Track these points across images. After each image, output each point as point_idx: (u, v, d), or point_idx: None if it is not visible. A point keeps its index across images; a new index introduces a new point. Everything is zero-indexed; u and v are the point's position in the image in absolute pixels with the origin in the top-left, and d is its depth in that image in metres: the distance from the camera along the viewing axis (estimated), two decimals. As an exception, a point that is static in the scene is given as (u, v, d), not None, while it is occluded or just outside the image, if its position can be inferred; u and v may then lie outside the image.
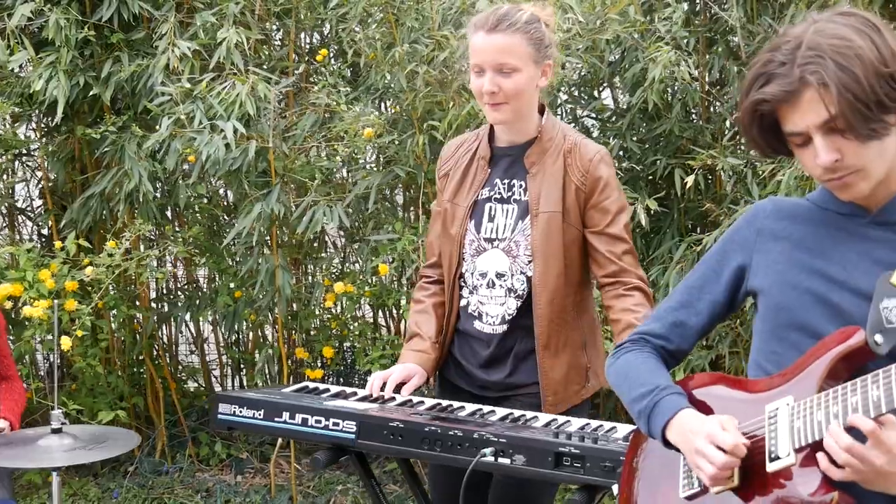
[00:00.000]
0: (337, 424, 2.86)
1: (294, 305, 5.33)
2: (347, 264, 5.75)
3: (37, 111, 5.26)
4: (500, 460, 2.66)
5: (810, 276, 2.06)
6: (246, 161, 4.50)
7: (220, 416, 3.04)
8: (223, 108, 4.45)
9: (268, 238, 4.78)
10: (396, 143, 4.75)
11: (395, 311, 5.66)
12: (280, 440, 5.14)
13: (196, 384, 6.04)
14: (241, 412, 3.01)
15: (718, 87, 5.16)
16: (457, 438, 2.72)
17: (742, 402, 2.11)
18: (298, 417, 2.92)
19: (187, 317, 5.54)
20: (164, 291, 5.73)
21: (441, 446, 2.74)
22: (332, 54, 5.32)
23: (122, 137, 4.81)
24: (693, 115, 5.14)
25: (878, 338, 1.88)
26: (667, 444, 2.17)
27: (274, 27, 5.38)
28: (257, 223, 4.54)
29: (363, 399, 3.06)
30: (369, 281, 4.88)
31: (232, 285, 5.09)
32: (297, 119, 4.87)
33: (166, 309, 5.61)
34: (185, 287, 5.80)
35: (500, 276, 3.09)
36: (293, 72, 5.11)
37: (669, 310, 2.33)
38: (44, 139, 5.48)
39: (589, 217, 3.05)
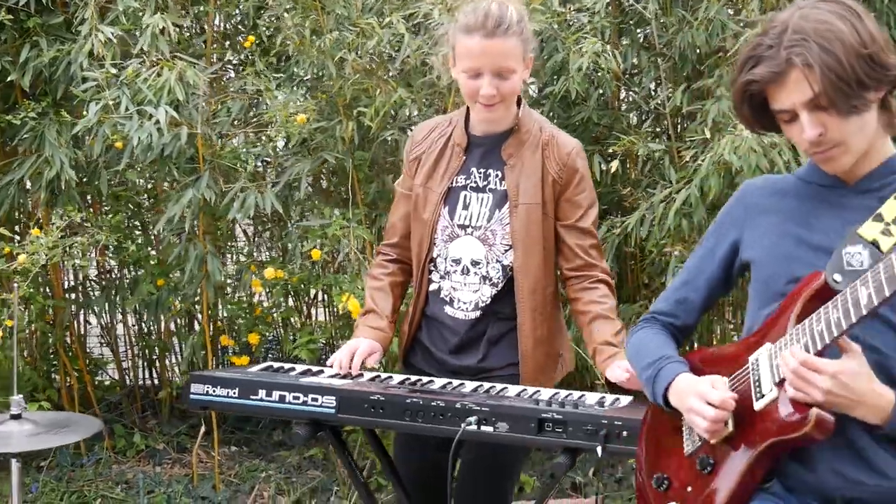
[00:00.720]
0: (316, 400, 2.91)
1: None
2: (257, 253, 5.77)
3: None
4: (484, 428, 2.74)
5: (797, 246, 2.22)
6: (177, 147, 4.47)
7: (193, 396, 3.05)
8: (152, 94, 4.41)
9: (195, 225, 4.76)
10: (325, 130, 4.78)
11: (319, 297, 5.70)
12: (203, 429, 5.10)
13: (108, 377, 5.94)
14: (214, 391, 3.03)
15: (631, 76, 5.33)
16: (439, 409, 2.79)
17: (730, 360, 2.27)
18: (275, 394, 2.95)
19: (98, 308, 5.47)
20: (78, 282, 5.63)
21: (423, 417, 2.81)
22: (256, 41, 5.30)
23: (42, 124, 4.72)
24: (607, 103, 5.29)
25: (837, 276, 2.04)
26: (669, 406, 2.31)
27: (193, 13, 5.33)
28: (188, 210, 4.52)
29: (333, 376, 3.11)
30: (303, 266, 4.88)
31: (155, 273, 5.03)
32: (221, 106, 4.85)
33: (81, 299, 5.52)
34: (101, 277, 5.70)
35: (475, 263, 3.16)
36: (213, 58, 5.09)
37: (674, 289, 2.51)
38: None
39: (561, 209, 3.14)
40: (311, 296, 5.72)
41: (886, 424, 1.99)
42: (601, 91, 5.07)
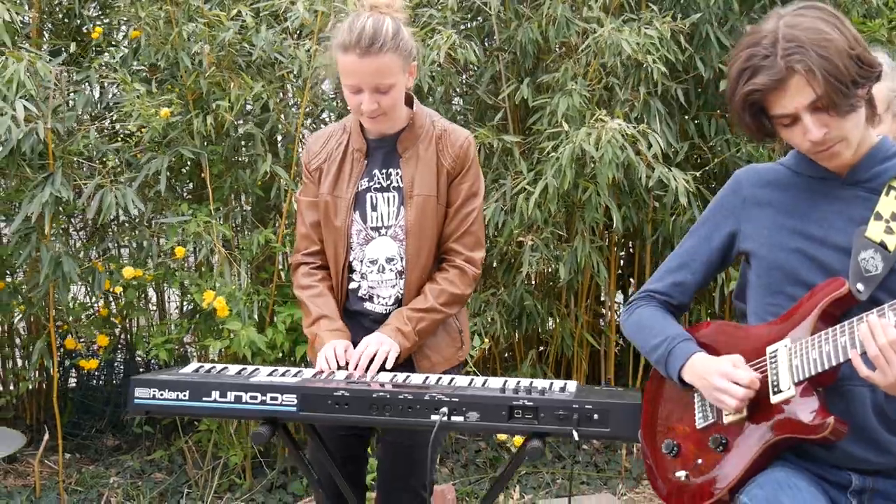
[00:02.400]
0: (276, 399, 2.87)
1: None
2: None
3: None
4: (455, 418, 2.81)
5: (794, 237, 2.43)
6: (31, 142, 4.26)
7: (137, 400, 2.94)
8: (2, 85, 4.19)
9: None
10: (180, 124, 4.67)
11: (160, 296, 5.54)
12: (46, 437, 4.88)
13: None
14: (161, 395, 2.93)
15: (471, 70, 5.48)
16: (408, 402, 2.82)
17: (745, 344, 2.45)
18: (231, 395, 2.90)
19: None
20: None
21: (391, 411, 2.83)
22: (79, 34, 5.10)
23: None
24: (449, 97, 5.42)
25: (860, 286, 2.27)
26: (683, 384, 2.47)
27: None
28: (46, 208, 4.31)
29: (272, 374, 3.07)
30: (165, 265, 4.75)
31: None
32: (67, 98, 4.65)
33: None
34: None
35: (389, 260, 3.24)
36: (50, 49, 4.87)
37: (668, 272, 2.67)
38: None
39: (448, 196, 3.25)
40: (147, 296, 5.56)
41: None
42: (444, 85, 5.20)
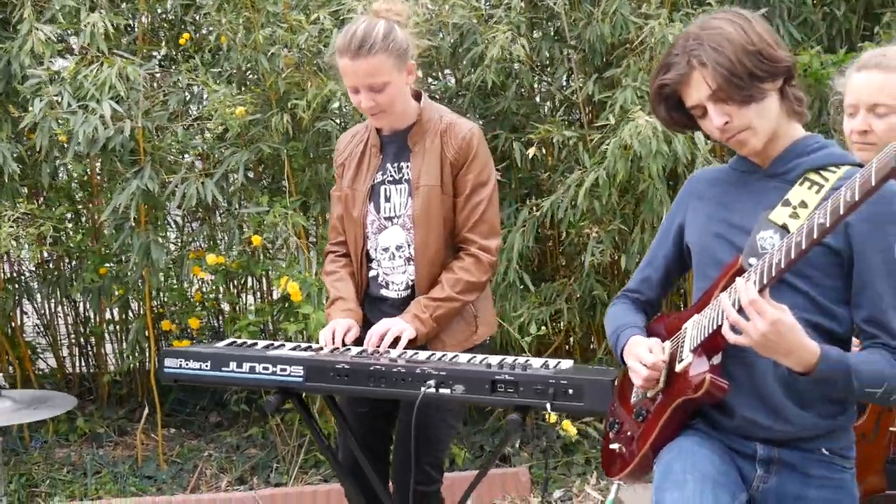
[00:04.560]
0: (284, 370, 3.16)
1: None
2: (191, 242, 5.98)
3: None
4: (442, 390, 3.03)
5: (720, 225, 2.60)
6: (120, 139, 4.68)
7: (166, 369, 3.28)
8: (94, 89, 4.62)
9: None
10: (260, 122, 5.03)
11: (249, 284, 5.94)
12: (146, 411, 5.33)
13: (46, 364, 6.11)
14: (187, 364, 3.26)
15: (545, 68, 5.67)
16: (400, 374, 3.07)
17: (676, 326, 2.64)
18: (246, 366, 3.20)
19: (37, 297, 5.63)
20: (14, 273, 5.79)
21: (386, 382, 3.08)
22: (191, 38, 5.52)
23: (-19, 119, 4.90)
24: (524, 93, 5.62)
25: (752, 260, 2.39)
26: (625, 365, 2.68)
27: (124, 11, 5.52)
28: (132, 200, 4.73)
29: (295, 349, 3.37)
30: (242, 252, 5.13)
31: (96, 262, 5.23)
32: (158, 100, 5.06)
33: (19, 289, 5.68)
34: (38, 267, 5.86)
35: (398, 248, 3.49)
36: (143, 53, 5.29)
37: (639, 269, 2.90)
38: None
39: (455, 186, 3.45)
40: (242, 282, 5.95)
41: (811, 373, 2.30)
42: (518, 82, 5.41)
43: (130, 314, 5.87)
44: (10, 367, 5.58)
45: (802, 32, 5.24)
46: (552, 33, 5.54)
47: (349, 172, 3.57)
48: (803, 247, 2.16)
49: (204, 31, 5.23)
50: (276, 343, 3.49)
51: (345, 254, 3.66)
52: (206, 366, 3.25)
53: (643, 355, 2.58)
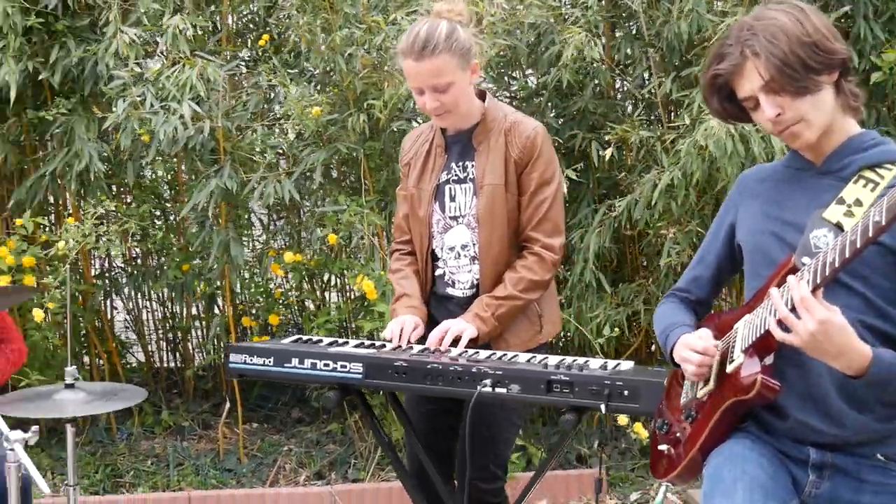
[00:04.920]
0: (345, 367, 3.21)
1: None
2: (272, 240, 6.08)
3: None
4: (498, 390, 3.05)
5: (773, 223, 2.55)
6: (200, 139, 4.79)
7: (232, 365, 3.36)
8: (176, 90, 4.74)
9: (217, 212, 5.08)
10: (337, 122, 5.09)
11: (332, 282, 6.03)
12: (227, 406, 5.44)
13: (134, 358, 6.28)
14: (251, 360, 3.34)
15: (625, 67, 5.63)
16: (457, 373, 3.10)
17: (728, 325, 2.59)
18: (307, 362, 3.26)
19: (125, 292, 5.79)
20: (104, 269, 5.96)
21: (443, 380, 3.11)
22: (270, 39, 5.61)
23: (71, 119, 5.04)
24: (603, 93, 5.60)
25: (805, 259, 2.34)
26: (675, 364, 2.65)
27: (207, 13, 5.64)
28: (211, 198, 4.84)
29: (359, 346, 3.42)
30: (320, 251, 5.21)
31: (179, 259, 5.36)
32: (238, 101, 5.16)
33: (108, 285, 5.85)
34: (126, 264, 6.03)
35: (464, 247, 3.51)
36: (226, 55, 5.39)
37: (689, 269, 2.88)
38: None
39: (520, 185, 3.46)
40: (325, 280, 6.03)
41: (863, 376, 2.26)
42: (596, 81, 5.39)
43: (216, 309, 6.00)
44: (99, 361, 5.75)
45: (888, 30, 5.11)
46: (633, 33, 5.50)
47: (415, 172, 3.60)
48: (858, 245, 2.11)
49: (279, 32, 5.30)
50: (341, 340, 3.54)
51: (410, 252, 3.69)
52: (270, 362, 3.32)
53: (693, 342, 2.55)
